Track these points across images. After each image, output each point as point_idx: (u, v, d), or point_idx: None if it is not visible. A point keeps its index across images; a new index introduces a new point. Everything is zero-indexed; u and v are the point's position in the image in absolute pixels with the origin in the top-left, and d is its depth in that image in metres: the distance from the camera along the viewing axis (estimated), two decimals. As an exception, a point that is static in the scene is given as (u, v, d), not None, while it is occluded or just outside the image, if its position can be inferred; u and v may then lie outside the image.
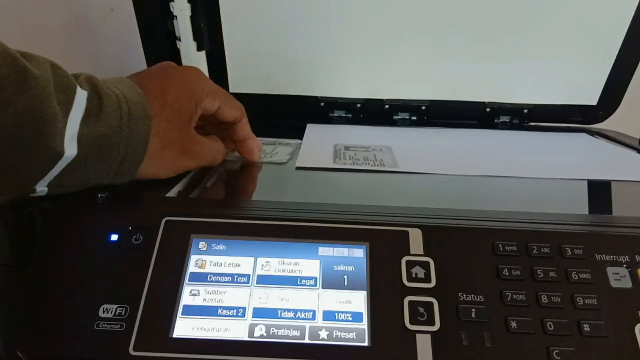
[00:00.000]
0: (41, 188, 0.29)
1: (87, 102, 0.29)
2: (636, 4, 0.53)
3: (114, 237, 0.30)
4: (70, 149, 0.28)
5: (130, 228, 0.30)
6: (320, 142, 0.51)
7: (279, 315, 0.28)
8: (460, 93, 0.61)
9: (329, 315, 0.28)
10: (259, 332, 0.27)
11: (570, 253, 0.29)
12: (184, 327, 0.27)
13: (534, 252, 0.29)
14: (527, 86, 0.60)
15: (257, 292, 0.28)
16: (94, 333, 0.27)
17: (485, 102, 0.61)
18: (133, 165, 0.32)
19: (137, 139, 0.31)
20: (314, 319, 0.27)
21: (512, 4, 0.54)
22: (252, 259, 0.29)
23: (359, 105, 0.61)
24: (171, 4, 0.53)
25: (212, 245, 0.30)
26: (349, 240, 0.30)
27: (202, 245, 0.30)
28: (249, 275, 0.29)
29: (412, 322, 0.27)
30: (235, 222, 0.30)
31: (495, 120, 0.62)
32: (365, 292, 0.28)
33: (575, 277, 0.28)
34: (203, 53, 0.57)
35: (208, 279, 0.29)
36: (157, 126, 0.33)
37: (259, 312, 0.28)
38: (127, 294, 0.28)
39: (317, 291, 0.28)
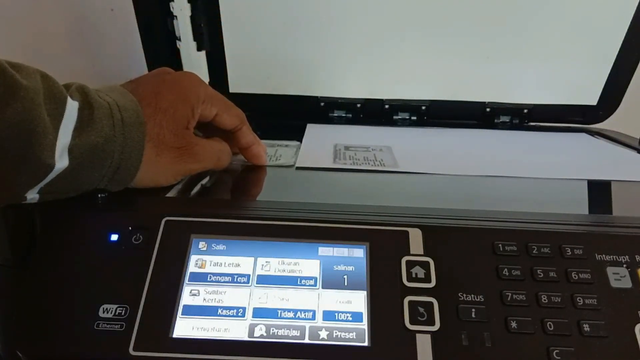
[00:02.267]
0: (32, 195, 0.29)
1: (78, 112, 0.29)
2: (636, 4, 0.53)
3: (114, 237, 0.30)
4: (62, 161, 0.28)
5: (130, 228, 0.30)
6: (320, 142, 0.51)
7: (279, 315, 0.28)
8: (460, 93, 0.61)
9: (329, 315, 0.28)
10: (259, 332, 0.27)
11: (570, 253, 0.29)
12: (184, 327, 0.27)
13: (534, 252, 0.29)
14: (527, 86, 0.60)
15: (257, 292, 0.28)
16: (94, 333, 0.27)
17: (485, 102, 0.61)
18: (129, 173, 0.32)
19: (132, 147, 0.31)
20: (314, 319, 0.27)
21: (512, 4, 0.54)
22: (252, 259, 0.29)
23: (359, 105, 0.61)
24: (171, 4, 0.53)
25: (212, 245, 0.30)
26: (349, 240, 0.30)
27: (202, 245, 0.30)
28: (249, 275, 0.29)
29: (412, 322, 0.27)
30: (235, 222, 0.30)
31: (495, 120, 0.62)
32: (365, 292, 0.28)
33: (575, 277, 0.28)
34: (203, 53, 0.57)
35: (208, 279, 0.29)
36: (151, 132, 0.33)
37: (259, 312, 0.28)
38: (127, 294, 0.28)
39: (317, 291, 0.28)
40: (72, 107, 0.29)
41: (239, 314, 0.28)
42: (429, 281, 0.28)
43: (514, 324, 0.27)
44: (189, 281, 0.29)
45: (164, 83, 0.35)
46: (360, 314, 0.28)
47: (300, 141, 0.51)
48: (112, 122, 0.30)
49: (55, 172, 0.28)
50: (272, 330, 0.27)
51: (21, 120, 0.26)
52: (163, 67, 0.38)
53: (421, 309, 0.27)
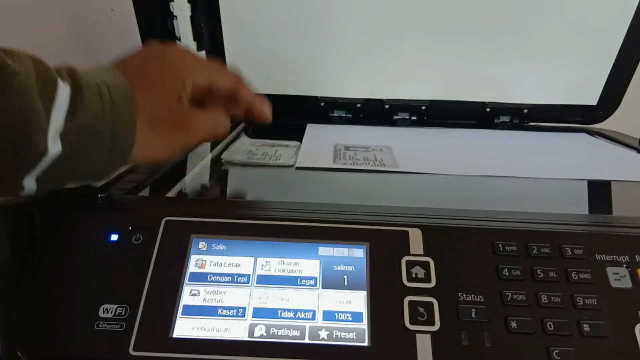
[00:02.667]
0: (29, 185, 0.29)
1: (69, 95, 0.28)
2: (636, 4, 0.53)
3: (114, 237, 0.30)
4: (55, 146, 0.28)
5: (130, 228, 0.30)
6: (320, 142, 0.51)
7: (279, 315, 0.28)
8: (460, 93, 0.61)
9: (329, 315, 0.28)
10: (259, 332, 0.27)
11: (570, 253, 0.29)
12: (184, 327, 0.27)
13: (534, 252, 0.29)
14: (527, 86, 0.60)
15: (257, 292, 0.28)
16: (94, 333, 0.27)
17: (485, 102, 0.61)
18: (122, 150, 0.31)
19: (123, 124, 0.31)
20: (314, 319, 0.27)
21: (512, 4, 0.54)
22: (252, 259, 0.29)
23: (359, 105, 0.61)
24: (171, 4, 0.53)
25: (212, 245, 0.30)
26: (349, 240, 0.30)
27: (202, 245, 0.30)
28: (249, 275, 0.29)
29: (412, 322, 0.27)
30: (235, 222, 0.30)
31: (495, 120, 0.62)
32: (365, 292, 0.28)
33: (575, 277, 0.28)
34: (203, 53, 0.57)
35: (208, 279, 0.29)
36: (142, 108, 0.32)
37: (259, 312, 0.28)
38: (127, 294, 0.28)
39: (317, 291, 0.28)
40: (63, 90, 0.28)
41: (239, 314, 0.28)
42: (429, 281, 0.28)
43: (514, 324, 0.27)
44: (189, 281, 0.29)
45: (152, 58, 0.35)
46: (360, 314, 0.28)
47: (300, 141, 0.51)
48: (102, 102, 0.30)
49: (50, 156, 0.28)
50: (272, 330, 0.27)
51: (13, 105, 0.25)
52: (151, 41, 0.38)
53: (421, 309, 0.27)
